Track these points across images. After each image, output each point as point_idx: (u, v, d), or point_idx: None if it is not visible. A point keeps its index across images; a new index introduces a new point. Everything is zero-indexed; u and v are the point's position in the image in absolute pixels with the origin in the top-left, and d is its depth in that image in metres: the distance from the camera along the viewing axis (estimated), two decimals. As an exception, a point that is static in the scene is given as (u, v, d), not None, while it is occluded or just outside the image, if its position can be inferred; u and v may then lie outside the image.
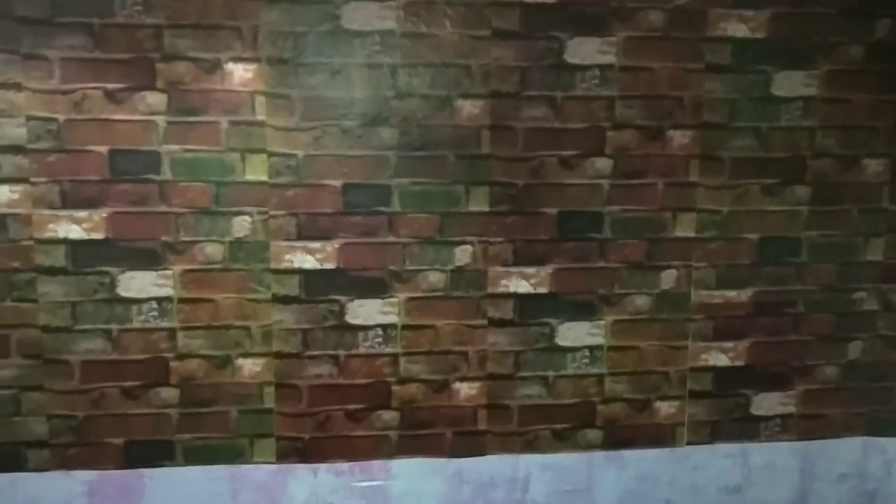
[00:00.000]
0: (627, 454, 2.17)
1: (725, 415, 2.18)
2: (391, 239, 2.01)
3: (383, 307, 2.03)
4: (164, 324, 1.98)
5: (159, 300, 1.97)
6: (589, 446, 2.15)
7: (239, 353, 2.01)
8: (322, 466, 2.08)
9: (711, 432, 2.19)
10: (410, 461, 2.10)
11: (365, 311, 2.03)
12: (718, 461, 2.20)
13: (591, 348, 2.11)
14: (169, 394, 2.00)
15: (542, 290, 2.07)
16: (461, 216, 2.02)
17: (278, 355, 2.02)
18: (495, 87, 1.97)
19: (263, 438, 2.05)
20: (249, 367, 2.02)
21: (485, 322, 2.07)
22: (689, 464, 2.19)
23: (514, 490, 2.14)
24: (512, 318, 2.07)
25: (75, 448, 1.99)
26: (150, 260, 1.94)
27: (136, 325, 1.97)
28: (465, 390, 2.09)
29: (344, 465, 2.08)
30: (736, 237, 2.10)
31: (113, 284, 1.95)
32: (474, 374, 2.09)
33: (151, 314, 1.97)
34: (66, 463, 1.99)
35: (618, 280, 2.09)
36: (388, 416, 2.07)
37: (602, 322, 2.10)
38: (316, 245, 2.00)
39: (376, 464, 2.09)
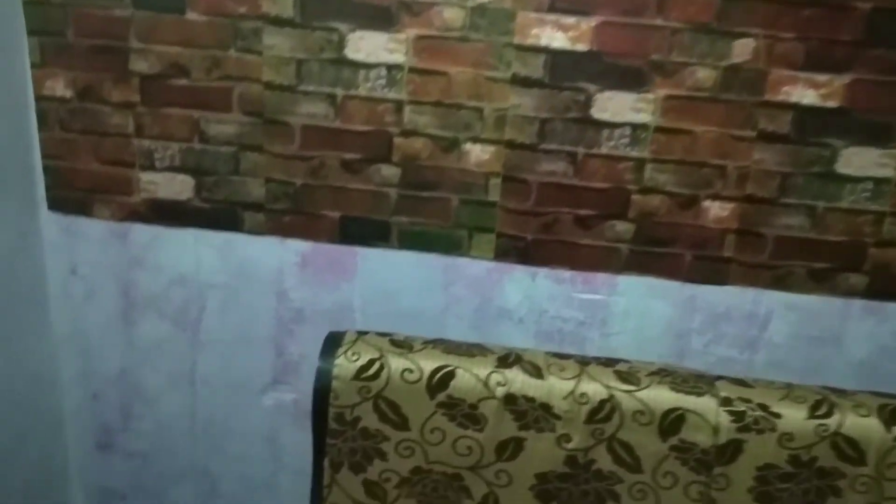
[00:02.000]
0: (892, 307, 2.26)
1: None
2: (659, 22, 2.06)
3: (636, 103, 2.13)
4: (392, 94, 2.18)
5: (389, 67, 2.16)
6: (849, 292, 2.26)
7: (468, 136, 2.20)
8: (542, 271, 2.32)
9: None
10: (639, 279, 2.30)
11: (614, 106, 2.14)
12: None
13: (878, 181, 2.15)
14: (390, 171, 2.25)
15: (832, 103, 2.09)
16: (746, 1, 2.03)
17: (510, 145, 2.20)
18: None
19: (483, 233, 2.29)
20: (477, 153, 2.22)
21: (753, 134, 2.14)
22: (967, 329, 2.26)
23: (751, 327, 2.32)
24: (787, 134, 2.13)
25: (291, 215, 2.32)
26: (383, 21, 2.11)
27: (362, 92, 2.19)
28: (716, 210, 2.21)
29: (566, 273, 2.31)
30: None
31: (341, 44, 2.15)
32: (729, 194, 2.19)
33: (379, 82, 2.18)
34: (281, 229, 2.34)
35: (931, 101, 2.07)
36: (623, 227, 2.25)
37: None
38: (569, 21, 2.09)
39: (601, 277, 2.31)
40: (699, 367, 2.33)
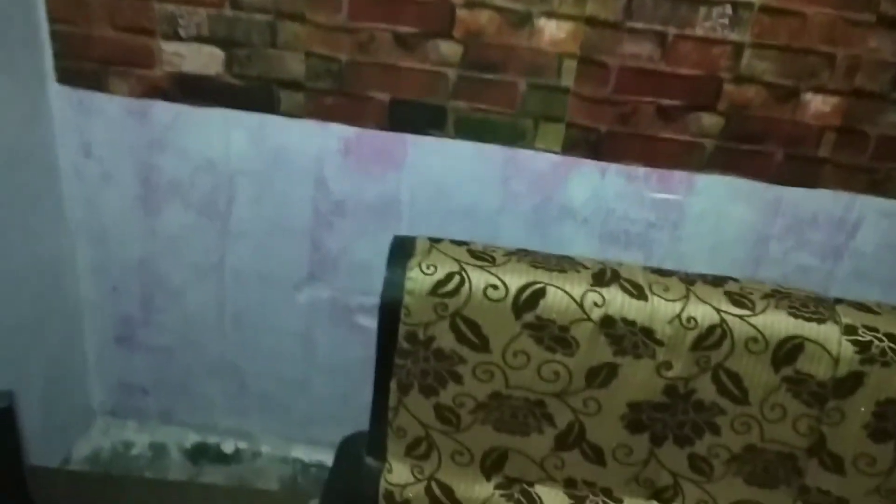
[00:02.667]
0: None
1: None
2: None
3: (742, -23, 1.84)
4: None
5: (454, -75, 1.84)
6: (953, 198, 2.04)
7: (542, 10, 1.91)
8: (613, 167, 2.08)
9: None
10: (721, 179, 2.06)
11: (715, -20, 1.84)
12: None
13: None
14: (450, 49, 1.97)
15: (970, -17, 1.80)
16: None
17: (591, 21, 1.91)
18: None
19: (551, 122, 2.03)
20: (552, 30, 1.93)
21: (872, 18, 1.85)
22: None
23: (838, 234, 2.11)
24: (911, 19, 1.85)
25: (333, 97, 2.04)
26: None
27: (421, -46, 1.87)
28: (818, 105, 1.96)
29: (640, 170, 2.08)
30: None
31: None
32: (835, 87, 1.93)
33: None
34: (322, 112, 2.07)
35: None
36: (710, 120, 1.99)
37: None
38: None
39: (679, 175, 2.07)
40: (775, 275, 2.15)
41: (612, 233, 2.16)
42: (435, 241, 1.63)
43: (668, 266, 2.15)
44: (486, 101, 2.02)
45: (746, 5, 1.86)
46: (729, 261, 2.16)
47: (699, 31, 1.90)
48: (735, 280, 1.61)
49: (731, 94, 1.96)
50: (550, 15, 1.91)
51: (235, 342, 2.43)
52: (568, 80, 1.98)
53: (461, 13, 1.92)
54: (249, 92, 2.05)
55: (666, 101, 1.99)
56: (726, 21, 1.88)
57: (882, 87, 1.93)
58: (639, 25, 1.90)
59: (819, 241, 2.13)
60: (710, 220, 2.12)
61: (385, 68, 2.00)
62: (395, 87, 2.02)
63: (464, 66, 1.98)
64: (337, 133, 2.09)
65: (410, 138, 2.09)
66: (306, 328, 2.38)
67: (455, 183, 2.13)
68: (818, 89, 1.94)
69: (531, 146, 2.07)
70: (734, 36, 1.90)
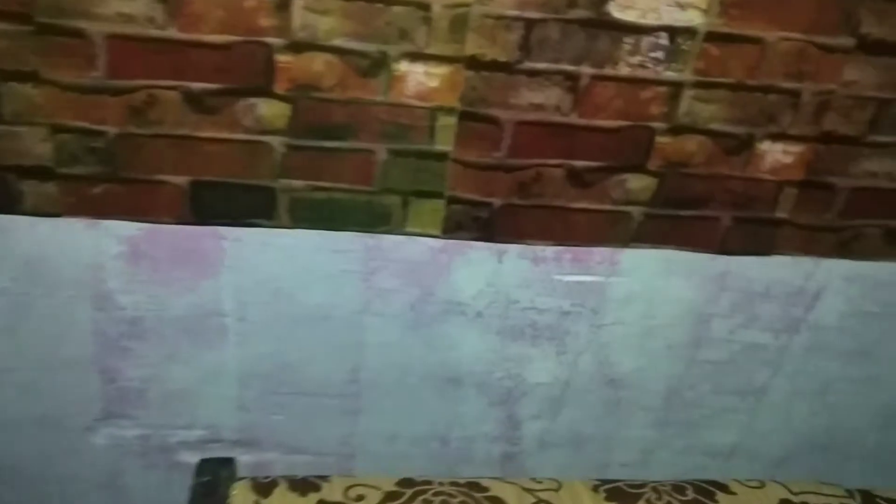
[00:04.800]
0: (979, 272, 1.65)
1: None
2: None
3: (681, -7, 1.28)
4: (267, -21, 1.21)
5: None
6: (931, 257, 1.61)
7: (403, 51, 1.29)
8: (513, 248, 1.52)
9: None
10: (653, 253, 1.55)
11: (644, 0, 1.28)
12: None
13: None
14: (270, 110, 1.33)
15: (974, -7, 1.32)
16: None
17: (474, 63, 1.31)
18: None
19: (426, 199, 1.44)
20: (419, 77, 1.32)
21: (851, 42, 1.35)
22: None
23: (795, 305, 1.65)
24: (898, 41, 1.36)
25: (103, 185, 1.36)
26: None
27: (210, -25, 1.21)
28: (776, 155, 1.46)
29: (548, 250, 1.53)
30: None
31: None
32: (799, 131, 1.43)
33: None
34: (89, 206, 1.39)
35: None
36: (639, 182, 1.46)
37: None
38: None
39: (599, 252, 1.54)
40: (718, 356, 1.68)
41: (514, 327, 1.61)
42: (265, 485, 1.02)
43: (587, 361, 1.66)
44: (332, 177, 1.40)
45: (687, 32, 1.31)
46: (663, 347, 1.67)
47: (624, 70, 1.34)
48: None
49: (666, 147, 1.43)
50: (415, 57, 1.30)
51: (16, 501, 1.75)
52: (445, 143, 1.38)
53: (283, 59, 1.28)
54: (-30, 186, 1.34)
55: (579, 163, 1.43)
56: (660, 55, 1.33)
57: (858, 129, 1.44)
58: (541, 66, 1.32)
59: (772, 315, 1.66)
60: (639, 304, 1.61)
61: (177, 141, 1.34)
62: (196, 166, 1.37)
63: (294, 132, 1.35)
64: (116, 232, 1.42)
65: (227, 232, 1.44)
66: (110, 475, 1.73)
67: (299, 283, 1.51)
68: (777, 137, 1.43)
69: (401, 230, 1.47)
70: (670, 73, 1.35)
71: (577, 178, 1.44)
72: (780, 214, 1.52)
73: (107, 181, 1.36)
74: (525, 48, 1.30)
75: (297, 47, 1.27)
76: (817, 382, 1.77)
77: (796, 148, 1.45)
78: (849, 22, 1.33)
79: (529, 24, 1.28)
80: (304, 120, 1.34)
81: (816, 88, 1.39)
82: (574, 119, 1.38)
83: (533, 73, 1.33)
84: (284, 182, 1.39)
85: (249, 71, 1.29)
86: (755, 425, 1.82)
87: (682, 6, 1.29)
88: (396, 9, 1.25)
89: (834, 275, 1.62)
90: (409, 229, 1.47)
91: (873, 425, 1.85)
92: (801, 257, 1.59)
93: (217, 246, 1.46)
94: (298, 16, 1.25)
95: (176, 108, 1.30)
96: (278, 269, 1.49)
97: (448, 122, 1.36)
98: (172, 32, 1.24)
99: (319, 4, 1.24)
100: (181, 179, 1.37)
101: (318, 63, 1.29)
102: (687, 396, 1.75)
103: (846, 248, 1.58)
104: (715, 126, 1.41)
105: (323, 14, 1.25)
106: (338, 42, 1.27)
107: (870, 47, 1.35)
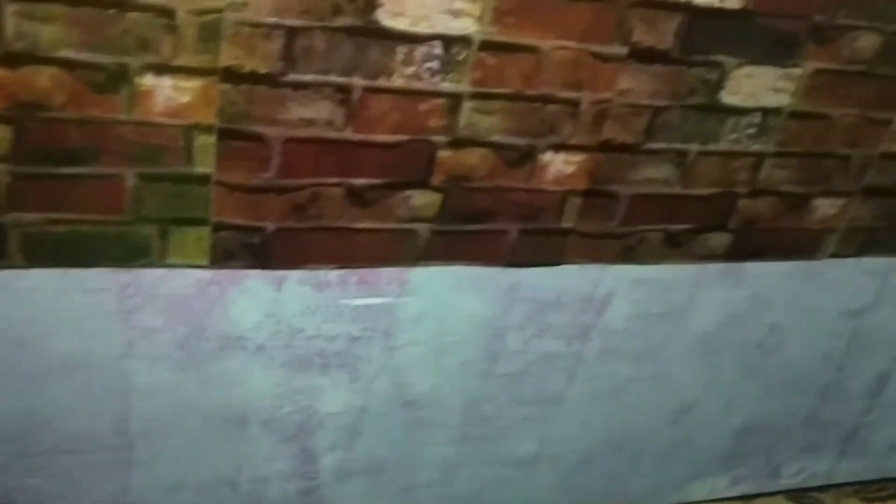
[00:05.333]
0: (749, 268, 1.71)
1: (893, 219, 1.76)
2: None
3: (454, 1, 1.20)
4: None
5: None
6: (707, 256, 1.65)
7: (145, 63, 1.12)
8: (293, 274, 1.39)
9: (864, 242, 1.77)
10: (442, 270, 1.48)
11: (415, 6, 1.19)
12: (855, 279, 1.84)
13: (767, 112, 1.49)
14: (-12, 133, 1.12)
15: (732, 3, 1.34)
16: None
17: (230, 76, 1.17)
18: None
19: (188, 226, 1.28)
20: (167, 92, 1.16)
21: (624, 51, 1.33)
22: (820, 282, 1.80)
23: (585, 312, 1.64)
24: (668, 49, 1.36)
25: None
26: None
27: None
28: (559, 165, 1.42)
29: (332, 274, 1.41)
30: None
31: None
32: (580, 141, 1.41)
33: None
34: None
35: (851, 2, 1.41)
36: (423, 198, 1.38)
37: (797, 71, 1.46)
38: None
39: (386, 273, 1.45)
40: (515, 368, 1.65)
41: (300, 357, 1.49)
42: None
43: (382, 385, 1.56)
44: (73, 208, 1.21)
45: (462, 41, 1.24)
46: (458, 364, 1.61)
47: (398, 82, 1.24)
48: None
49: (448, 161, 1.35)
50: (161, 69, 1.13)
51: None
52: (205, 164, 1.23)
53: (-3, 73, 1.08)
54: None
55: (358, 180, 1.33)
56: (436, 65, 1.25)
57: (635, 136, 1.43)
58: (308, 78, 1.20)
59: (564, 322, 1.64)
60: (431, 322, 1.54)
61: None
62: None
63: (18, 157, 1.14)
64: None
65: (-55, 277, 1.21)
66: None
67: (44, 330, 1.31)
68: (559, 147, 1.40)
69: (161, 263, 1.30)
70: (446, 85, 1.27)
71: (358, 197, 1.34)
72: (566, 224, 1.50)
73: None
74: (288, 58, 1.18)
75: (11, 60, 1.07)
76: (611, 385, 1.78)
77: (578, 157, 1.42)
78: (621, 30, 1.31)
79: (291, 32, 1.16)
80: (30, 142, 1.14)
81: (594, 98, 1.36)
82: (349, 134, 1.27)
83: (299, 86, 1.20)
84: (15, 216, 1.19)
85: (-46, 88, 1.07)
86: (554, 432, 1.81)
87: (454, 14, 1.21)
88: (133, 15, 1.08)
89: (620, 280, 1.62)
90: (171, 261, 1.30)
91: (666, 421, 1.89)
92: (588, 265, 1.57)
93: (-66, 294, 1.22)
94: (9, 24, 1.05)
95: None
96: (11, 315, 1.28)
97: (206, 141, 1.21)
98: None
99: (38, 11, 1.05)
100: None
101: (42, 76, 1.09)
102: (485, 410, 1.71)
103: (630, 253, 1.58)
104: (496, 138, 1.35)
105: (42, 21, 1.06)
106: (64, 53, 1.08)
107: (641, 55, 1.34)
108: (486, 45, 1.26)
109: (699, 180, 1.53)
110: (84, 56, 1.10)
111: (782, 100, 1.48)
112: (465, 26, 1.23)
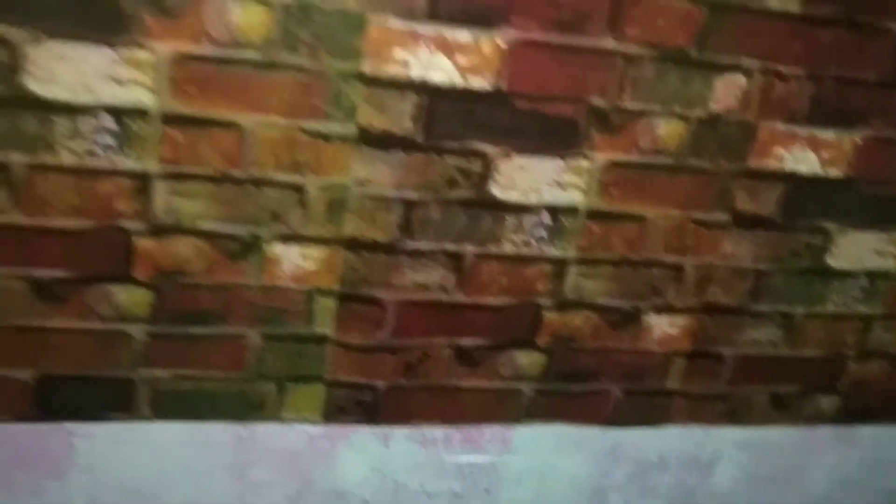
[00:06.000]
0: (863, 431, 1.65)
1: None
2: (608, 44, 1.20)
3: (562, 174, 1.27)
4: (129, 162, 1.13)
5: None
6: (816, 418, 1.61)
7: (277, 233, 1.21)
8: (399, 431, 1.42)
9: (985, 406, 1.70)
10: (545, 429, 1.48)
11: (525, 180, 1.26)
12: (976, 444, 1.74)
13: (875, 275, 1.48)
14: (130, 296, 1.21)
15: (835, 172, 1.37)
16: (745, 14, 1.22)
17: (353, 244, 1.24)
18: None
19: (304, 383, 1.33)
20: (295, 259, 1.24)
21: (727, 217, 1.36)
22: (938, 446, 1.72)
23: (691, 475, 1.60)
24: (770, 216, 1.38)
25: None
26: None
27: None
28: (663, 327, 1.43)
29: (437, 431, 1.43)
30: None
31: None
32: (684, 304, 1.42)
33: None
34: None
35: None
36: (528, 358, 1.40)
37: (904, 235, 1.45)
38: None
39: (490, 430, 1.46)
40: (617, 531, 1.59)
41: (403, 513, 1.49)
42: None
43: (482, 546, 1.54)
44: (198, 364, 1.28)
45: (569, 210, 1.30)
46: (560, 525, 1.58)
47: (508, 249, 1.30)
48: None
49: (554, 323, 1.38)
50: (290, 239, 1.22)
51: None
52: (324, 326, 1.29)
53: (142, 243, 1.17)
54: None
55: (467, 341, 1.36)
56: (543, 233, 1.30)
57: (739, 299, 1.44)
58: (423, 246, 1.27)
59: (669, 484, 1.60)
60: (532, 480, 1.53)
61: (19, 331, 1.19)
62: (43, 358, 1.22)
63: (157, 318, 1.23)
64: (-54, 435, 1.24)
65: (75, 428, 1.28)
66: None
67: (162, 481, 1.35)
68: (662, 309, 1.42)
69: (276, 418, 1.35)
70: (553, 250, 1.32)
71: (466, 357, 1.37)
72: (671, 385, 1.49)
73: None
74: (406, 228, 1.25)
75: (155, 232, 1.17)
76: (717, 551, 1.71)
77: (682, 320, 1.43)
78: (724, 199, 1.35)
79: (409, 205, 1.24)
80: (170, 304, 1.22)
81: (697, 262, 1.39)
82: (459, 297, 1.32)
83: (415, 254, 1.27)
84: (146, 372, 1.26)
85: (105, 254, 1.17)
86: None
87: (562, 186, 1.27)
88: (268, 191, 1.18)
89: (726, 442, 1.59)
90: (285, 416, 1.35)
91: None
92: (692, 426, 1.55)
93: (63, 444, 1.29)
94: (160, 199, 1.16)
95: (21, 294, 1.17)
96: (137, 466, 1.33)
97: (327, 304, 1.28)
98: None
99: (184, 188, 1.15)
100: (25, 374, 1.22)
101: (183, 246, 1.19)
102: (587, 574, 1.65)
103: (736, 414, 1.56)
104: (601, 300, 1.38)
105: (187, 197, 1.16)
106: (205, 224, 1.18)
107: (743, 221, 1.37)
108: (593, 214, 1.31)
109: (806, 342, 1.52)
110: (223, 227, 1.19)
111: (889, 264, 1.47)
112: (572, 197, 1.29)
